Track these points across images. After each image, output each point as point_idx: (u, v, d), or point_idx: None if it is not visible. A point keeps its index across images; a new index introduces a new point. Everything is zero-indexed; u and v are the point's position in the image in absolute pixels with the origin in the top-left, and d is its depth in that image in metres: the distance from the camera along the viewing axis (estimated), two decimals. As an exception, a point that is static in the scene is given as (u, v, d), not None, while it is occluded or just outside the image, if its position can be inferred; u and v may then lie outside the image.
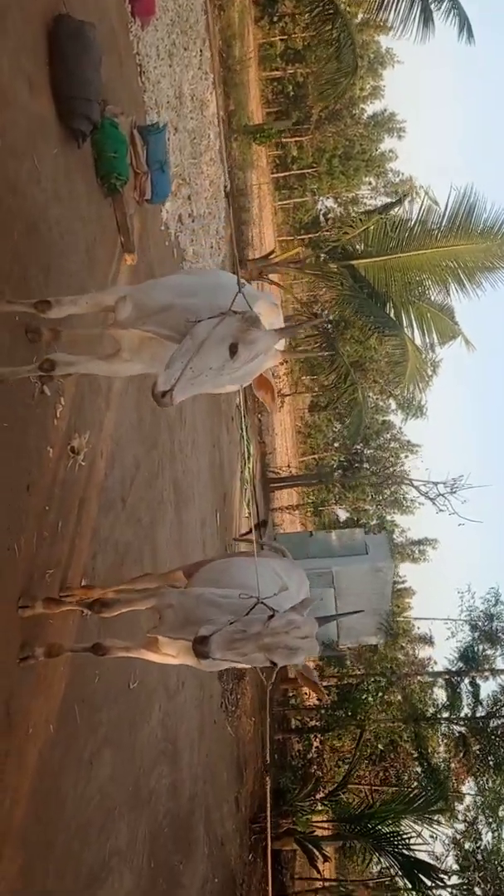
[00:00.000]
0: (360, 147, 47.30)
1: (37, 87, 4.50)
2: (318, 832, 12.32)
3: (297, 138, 42.77)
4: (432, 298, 16.84)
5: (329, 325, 18.27)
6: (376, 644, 16.58)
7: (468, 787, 14.95)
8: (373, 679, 14.63)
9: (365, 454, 31.87)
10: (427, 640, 21.25)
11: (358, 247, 16.48)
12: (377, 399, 27.48)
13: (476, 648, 15.20)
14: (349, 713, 14.30)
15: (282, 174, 44.06)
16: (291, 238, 40.89)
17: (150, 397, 2.78)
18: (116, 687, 5.18)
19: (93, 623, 4.12)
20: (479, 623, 15.68)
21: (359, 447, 27.39)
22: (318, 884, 12.72)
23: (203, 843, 7.98)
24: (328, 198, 48.78)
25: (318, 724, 14.96)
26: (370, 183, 50.74)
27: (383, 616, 15.95)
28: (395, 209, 16.30)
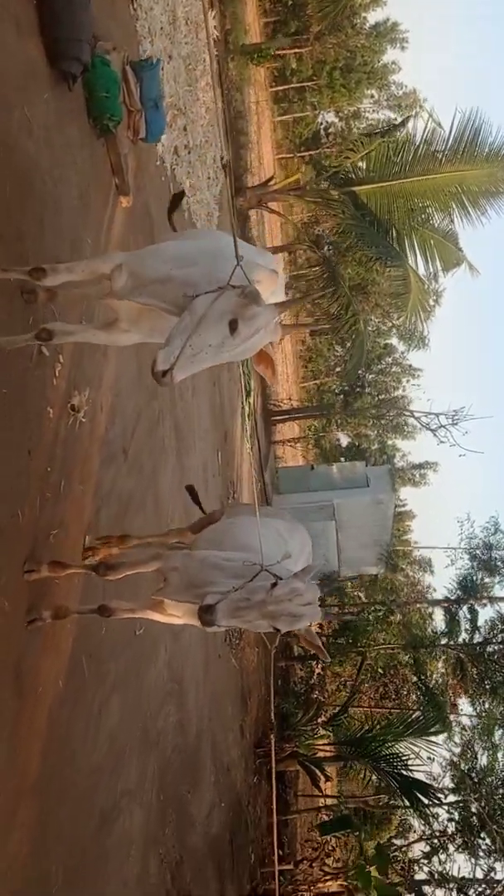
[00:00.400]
0: (361, 59, 45.19)
1: (25, 30, 4.28)
2: (320, 754, 12.82)
3: (297, 50, 40.92)
4: (436, 225, 16.47)
5: (329, 249, 17.90)
6: (377, 574, 16.92)
7: (464, 708, 15.51)
8: (373, 608, 14.96)
9: (367, 379, 31.69)
10: (426, 566, 21.76)
11: (360, 172, 16.02)
12: (379, 322, 27.11)
13: (474, 577, 15.49)
14: (350, 640, 14.69)
15: (281, 87, 42.29)
16: (291, 156, 39.62)
17: (150, 372, 2.74)
18: (123, 636, 5.30)
19: (98, 584, 4.17)
20: (478, 552, 15.95)
21: (361, 372, 27.17)
22: (321, 801, 13.33)
23: (210, 772, 8.30)
24: (329, 112, 46.87)
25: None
26: (372, 96, 48.76)
27: (384, 547, 16.22)
28: (399, 132, 15.73)
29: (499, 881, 10.80)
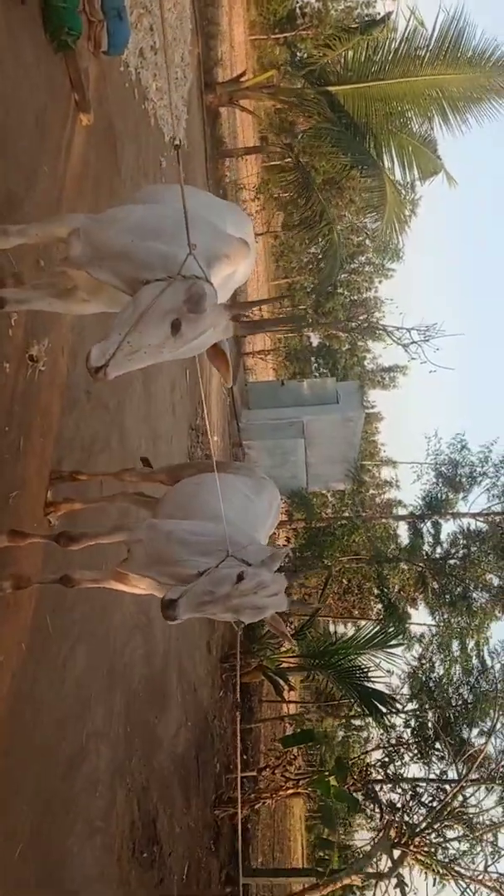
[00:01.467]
0: None
1: None
2: (285, 665, 13.24)
3: None
4: (414, 130, 15.80)
5: (301, 152, 17.10)
6: (344, 490, 17.10)
7: (422, 619, 16.07)
8: (339, 523, 15.18)
9: (339, 278, 31.00)
10: (393, 483, 22.07)
11: (338, 69, 15.15)
12: (353, 219, 26.34)
13: (439, 494, 15.72)
14: (316, 554, 14.96)
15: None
16: (266, 37, 37.36)
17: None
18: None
19: (60, 553, 4.07)
20: (444, 469, 16.12)
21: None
22: (284, 708, 13.87)
23: (177, 693, 8.50)
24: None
25: (286, 564, 15.63)
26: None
27: (351, 464, 16.31)
28: (379, 29, 14.78)
29: (451, 780, 11.41)
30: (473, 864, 9.80)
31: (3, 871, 3.56)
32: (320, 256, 18.40)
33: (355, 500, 16.67)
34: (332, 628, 17.44)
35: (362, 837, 12.34)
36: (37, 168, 4.81)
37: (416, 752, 11.23)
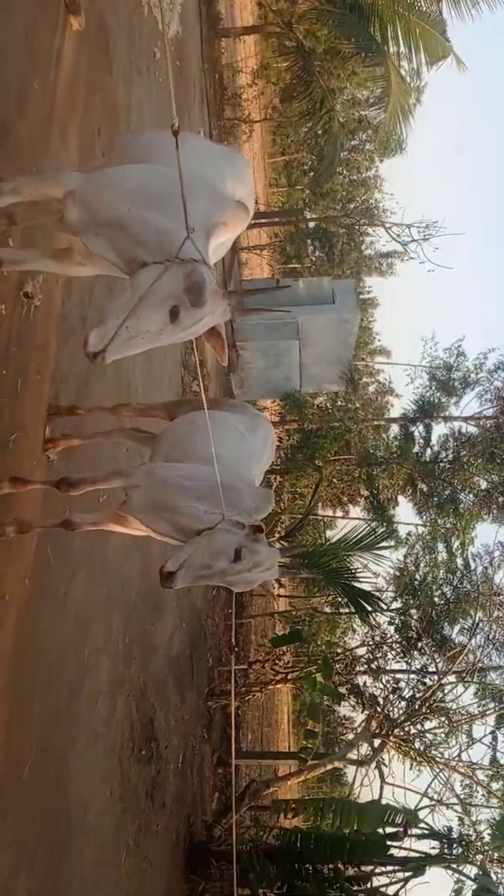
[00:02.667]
0: None
1: None
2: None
3: None
4: (424, 10, 14.89)
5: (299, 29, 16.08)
6: (337, 392, 17.12)
7: (408, 517, 16.49)
8: (331, 426, 15.31)
9: (339, 157, 29.69)
10: (387, 388, 22.06)
11: None
12: (353, 91, 25.12)
13: (432, 398, 15.80)
14: (308, 456, 15.17)
15: None
16: None
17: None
18: (87, 507, 5.39)
19: (59, 497, 4.16)
20: (438, 373, 16.13)
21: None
22: (274, 605, 14.46)
23: (172, 599, 8.85)
24: None
25: (277, 466, 15.87)
26: None
27: (345, 365, 16.26)
28: None
29: (431, 672, 12.05)
30: (448, 751, 10.53)
31: (14, 789, 3.85)
32: (319, 133, 17.48)
33: (348, 406, 16.70)
34: (323, 527, 18.01)
35: (347, 727, 13.15)
36: (27, 87, 4.60)
37: (399, 650, 11.81)
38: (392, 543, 14.03)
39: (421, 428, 16.09)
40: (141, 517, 3.63)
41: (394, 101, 14.09)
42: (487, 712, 11.12)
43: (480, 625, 11.93)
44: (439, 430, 16.58)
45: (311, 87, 15.58)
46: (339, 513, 19.09)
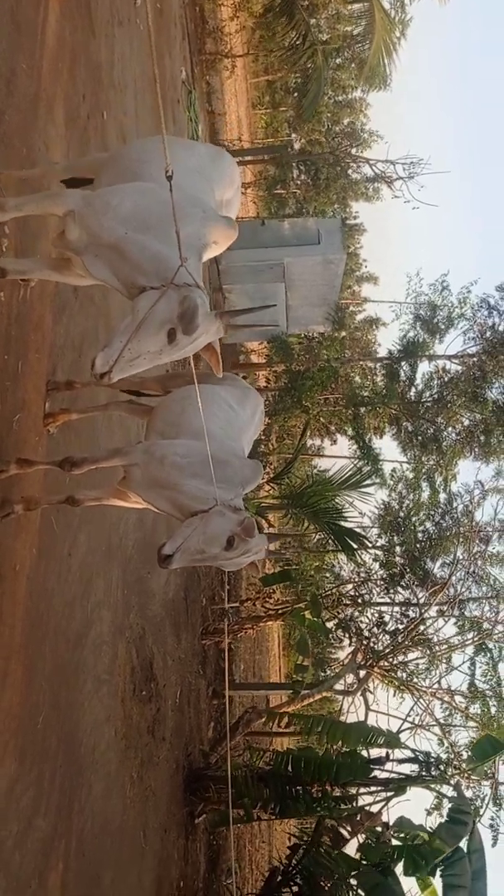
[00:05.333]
0: None
1: None
2: (265, 504, 14.13)
3: None
4: None
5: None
6: (323, 333, 17.24)
7: (392, 455, 16.86)
8: (318, 368, 15.50)
9: (325, 77, 28.97)
10: (374, 323, 22.12)
11: None
12: (338, 7, 24.43)
13: (416, 338, 15.95)
14: (295, 399, 15.44)
15: None
16: None
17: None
18: (86, 475, 5.68)
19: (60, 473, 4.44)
20: (423, 313, 16.24)
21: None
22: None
23: (166, 544, 9.23)
24: None
25: (265, 408, 16.12)
26: None
27: (331, 306, 16.37)
28: None
29: (414, 603, 12.64)
30: (429, 679, 11.18)
31: (31, 739, 4.27)
32: (305, 66, 17.06)
33: (335, 336, 16.83)
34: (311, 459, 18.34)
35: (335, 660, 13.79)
36: (16, 69, 4.69)
37: (383, 585, 12.35)
38: (377, 480, 14.48)
39: (406, 367, 16.31)
40: (142, 494, 3.95)
41: (377, 37, 13.85)
42: (466, 642, 11.73)
43: (461, 560, 12.46)
44: (424, 367, 16.80)
45: (293, 19, 15.27)
46: (328, 442, 19.46)
